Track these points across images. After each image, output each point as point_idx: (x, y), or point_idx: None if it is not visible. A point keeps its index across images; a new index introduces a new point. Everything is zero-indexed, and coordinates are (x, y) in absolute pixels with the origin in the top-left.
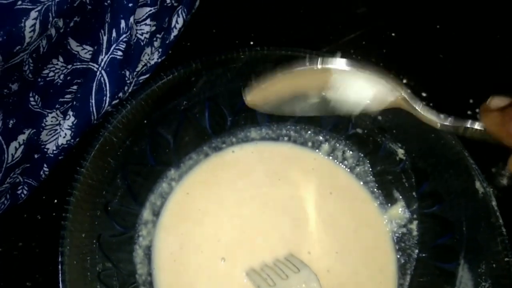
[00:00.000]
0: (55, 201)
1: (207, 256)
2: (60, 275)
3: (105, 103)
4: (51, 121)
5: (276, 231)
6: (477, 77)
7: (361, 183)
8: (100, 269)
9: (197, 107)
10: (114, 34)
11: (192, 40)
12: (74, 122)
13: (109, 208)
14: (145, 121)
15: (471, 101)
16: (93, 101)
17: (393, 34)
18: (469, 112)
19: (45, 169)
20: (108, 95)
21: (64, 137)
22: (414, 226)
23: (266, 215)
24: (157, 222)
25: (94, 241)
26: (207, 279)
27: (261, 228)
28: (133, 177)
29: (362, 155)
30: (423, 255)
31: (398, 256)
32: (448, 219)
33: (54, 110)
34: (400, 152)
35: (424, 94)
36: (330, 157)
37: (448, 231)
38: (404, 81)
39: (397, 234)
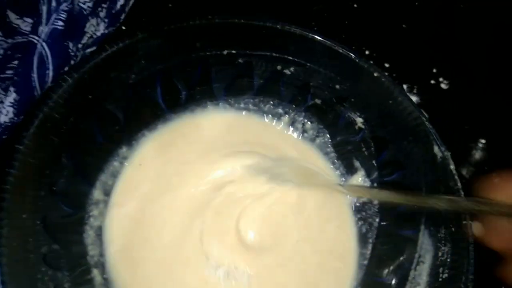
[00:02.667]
0: None
1: (162, 233)
2: None
3: (49, 77)
4: None
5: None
6: (440, 46)
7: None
8: (46, 251)
9: (148, 81)
10: (54, 3)
11: (148, 15)
12: (17, 99)
13: (54, 188)
14: (90, 96)
15: (434, 70)
16: (36, 75)
17: (355, 5)
18: (432, 82)
19: None
20: (51, 68)
21: (6, 115)
22: None
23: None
24: (109, 202)
25: (38, 222)
26: (162, 257)
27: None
28: (81, 156)
29: (321, 126)
30: (384, 223)
31: (359, 225)
32: (408, 186)
33: None
34: (359, 121)
35: (387, 65)
36: (289, 130)
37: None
38: (367, 52)
39: (358, 204)
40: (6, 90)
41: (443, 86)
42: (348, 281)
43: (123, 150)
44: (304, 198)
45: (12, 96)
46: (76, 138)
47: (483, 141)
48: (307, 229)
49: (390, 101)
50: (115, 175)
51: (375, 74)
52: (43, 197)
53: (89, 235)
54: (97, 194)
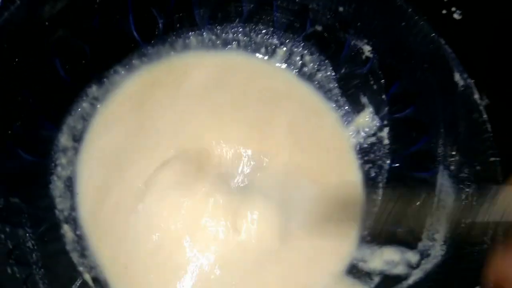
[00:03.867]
0: None
1: (136, 182)
2: None
3: None
4: None
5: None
6: None
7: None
8: (1, 204)
9: (117, 6)
10: None
11: None
12: None
13: (9, 132)
14: (46, 23)
15: None
16: None
17: None
18: (444, 12)
19: None
20: None
21: None
22: (384, 133)
23: (210, 135)
24: (79, 149)
25: None
26: (140, 209)
27: (207, 148)
28: (41, 95)
29: (323, 58)
30: (396, 165)
31: (367, 169)
32: (422, 121)
33: None
34: (367, 49)
35: None
36: (285, 65)
37: (423, 135)
38: None
39: (365, 145)
40: None
41: (456, 16)
42: (353, 231)
43: (93, 89)
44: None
45: None
46: (33, 73)
47: None
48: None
49: (403, 23)
50: (85, 118)
51: None
52: None
53: (57, 187)
54: (64, 139)
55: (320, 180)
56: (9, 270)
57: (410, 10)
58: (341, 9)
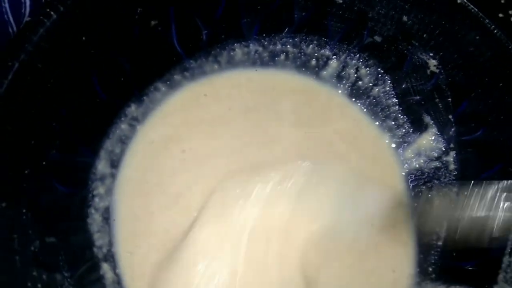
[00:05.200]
0: None
1: (182, 213)
2: None
3: (25, 7)
4: None
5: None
6: None
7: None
8: (37, 247)
9: (159, 16)
10: None
11: None
12: None
13: (44, 163)
14: (84, 38)
15: (502, 1)
16: (7, 5)
17: None
18: (500, 15)
19: None
20: None
21: None
22: (451, 158)
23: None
24: (117, 176)
25: (24, 210)
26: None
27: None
28: (77, 118)
29: (381, 71)
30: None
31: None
32: (496, 146)
33: None
34: (432, 63)
35: None
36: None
37: (496, 162)
38: None
39: (427, 170)
40: None
41: None
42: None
43: (132, 108)
44: None
45: None
46: (69, 94)
47: None
48: None
49: (477, 37)
50: (123, 141)
51: (458, 1)
52: (29, 176)
53: (95, 220)
54: (101, 166)
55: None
56: None
57: (486, 21)
58: (405, 18)
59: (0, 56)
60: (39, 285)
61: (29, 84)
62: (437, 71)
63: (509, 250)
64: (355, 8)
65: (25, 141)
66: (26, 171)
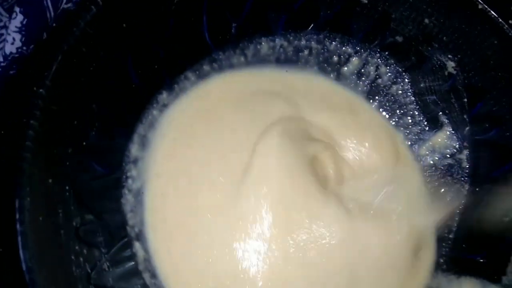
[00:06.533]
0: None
1: (213, 197)
2: (19, 238)
3: None
4: None
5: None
6: None
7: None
8: (78, 223)
9: (192, 7)
10: None
11: None
12: (24, 22)
13: (84, 144)
14: (124, 25)
15: None
16: None
17: None
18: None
19: None
20: None
21: (12, 43)
22: (464, 156)
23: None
24: (148, 159)
25: (67, 187)
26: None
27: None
28: (114, 102)
29: (401, 69)
30: (476, 189)
31: (442, 192)
32: (508, 146)
33: None
34: (450, 65)
35: None
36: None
37: (508, 160)
38: None
39: (441, 166)
40: (10, 11)
41: None
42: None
43: (163, 95)
44: None
45: (18, 19)
46: (108, 79)
47: None
48: None
49: (495, 41)
50: (154, 126)
51: (479, 6)
52: (71, 155)
53: (128, 201)
54: (134, 149)
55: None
56: None
57: (505, 27)
58: (426, 21)
59: (51, 39)
60: (81, 259)
61: (75, 67)
62: (455, 72)
63: None
64: (379, 8)
65: (68, 121)
66: (69, 150)
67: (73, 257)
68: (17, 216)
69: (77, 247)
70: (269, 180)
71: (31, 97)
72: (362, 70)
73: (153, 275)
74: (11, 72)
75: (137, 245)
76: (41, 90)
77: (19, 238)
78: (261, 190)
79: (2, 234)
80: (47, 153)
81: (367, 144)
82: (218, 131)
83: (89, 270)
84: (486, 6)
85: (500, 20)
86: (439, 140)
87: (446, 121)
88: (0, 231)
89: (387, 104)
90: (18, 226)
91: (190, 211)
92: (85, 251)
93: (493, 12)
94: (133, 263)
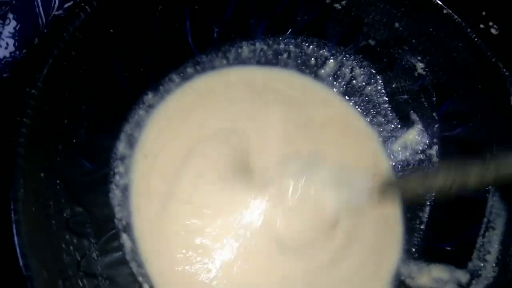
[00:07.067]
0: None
1: (197, 192)
2: (14, 226)
3: (55, 2)
4: None
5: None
6: None
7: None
8: (68, 215)
9: (176, 13)
10: None
11: None
12: (17, 28)
13: (74, 141)
14: (112, 30)
15: (483, 13)
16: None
17: None
18: (482, 26)
19: None
20: None
21: (6, 48)
22: (433, 151)
23: (255, 146)
24: (134, 156)
25: (58, 181)
26: (199, 222)
27: (253, 159)
28: (102, 103)
29: (374, 71)
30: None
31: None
32: (474, 142)
33: None
34: (420, 66)
35: None
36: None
37: (474, 155)
38: None
39: (412, 161)
40: (4, 18)
41: (493, 31)
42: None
43: (149, 96)
44: None
45: (11, 25)
46: (95, 80)
47: None
48: None
49: (460, 44)
50: (140, 126)
51: (444, 11)
52: (62, 151)
53: (116, 195)
54: (122, 147)
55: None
56: (80, 283)
57: (468, 30)
58: (397, 25)
59: (42, 44)
60: (71, 247)
61: (65, 70)
62: (424, 73)
63: (482, 232)
64: (352, 14)
65: (59, 120)
66: (59, 147)
67: (63, 246)
68: (12, 206)
69: (67, 237)
70: None
71: (24, 98)
72: (338, 72)
73: (140, 265)
74: (5, 75)
75: (124, 237)
76: (33, 91)
77: (14, 226)
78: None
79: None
80: (39, 149)
81: None
82: (199, 128)
83: (79, 258)
84: (451, 11)
85: (464, 24)
86: (411, 136)
87: (417, 119)
88: None
89: (362, 104)
90: (12, 215)
91: (175, 205)
92: (75, 240)
93: (457, 17)
94: (120, 253)
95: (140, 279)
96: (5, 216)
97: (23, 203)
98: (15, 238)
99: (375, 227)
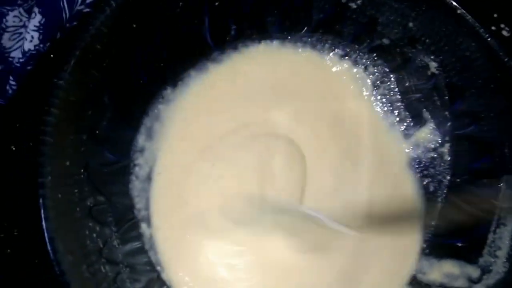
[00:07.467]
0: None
1: (216, 185)
2: (42, 211)
3: None
4: (14, 22)
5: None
6: None
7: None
8: (91, 203)
9: (195, 11)
10: None
11: None
12: (42, 22)
13: (97, 132)
14: (134, 25)
15: (495, 15)
16: None
17: None
18: (493, 28)
19: (11, 82)
20: None
21: (31, 41)
22: (445, 149)
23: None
24: (154, 149)
25: (82, 170)
26: (216, 213)
27: (271, 150)
28: (124, 96)
29: (387, 70)
30: (457, 180)
31: (426, 183)
32: (486, 140)
33: (16, 8)
34: (433, 65)
35: None
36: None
37: (485, 153)
38: None
39: (425, 159)
40: (29, 12)
41: (504, 33)
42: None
43: (167, 91)
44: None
45: (37, 19)
46: (118, 75)
47: None
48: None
49: (473, 43)
50: (160, 119)
51: (458, 11)
52: (86, 141)
53: (135, 186)
54: (142, 140)
55: (376, 192)
56: (102, 269)
57: (481, 30)
58: (411, 25)
59: (65, 38)
60: (94, 235)
61: (90, 62)
62: (437, 72)
63: (493, 229)
64: (367, 13)
65: (83, 111)
66: (83, 137)
67: (87, 233)
68: (40, 191)
69: (90, 224)
70: None
71: (50, 89)
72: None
73: (158, 254)
74: (28, 67)
75: (143, 226)
76: (61, 81)
77: (42, 211)
78: None
79: (29, 207)
80: (65, 138)
81: None
82: (217, 123)
83: (101, 245)
84: (464, 11)
85: (477, 24)
86: (423, 135)
87: (429, 117)
88: (27, 205)
89: (375, 102)
90: (40, 200)
91: (193, 198)
92: (97, 228)
93: (470, 17)
94: (139, 242)
95: (158, 268)
96: (32, 203)
97: (51, 189)
98: (43, 223)
99: None
